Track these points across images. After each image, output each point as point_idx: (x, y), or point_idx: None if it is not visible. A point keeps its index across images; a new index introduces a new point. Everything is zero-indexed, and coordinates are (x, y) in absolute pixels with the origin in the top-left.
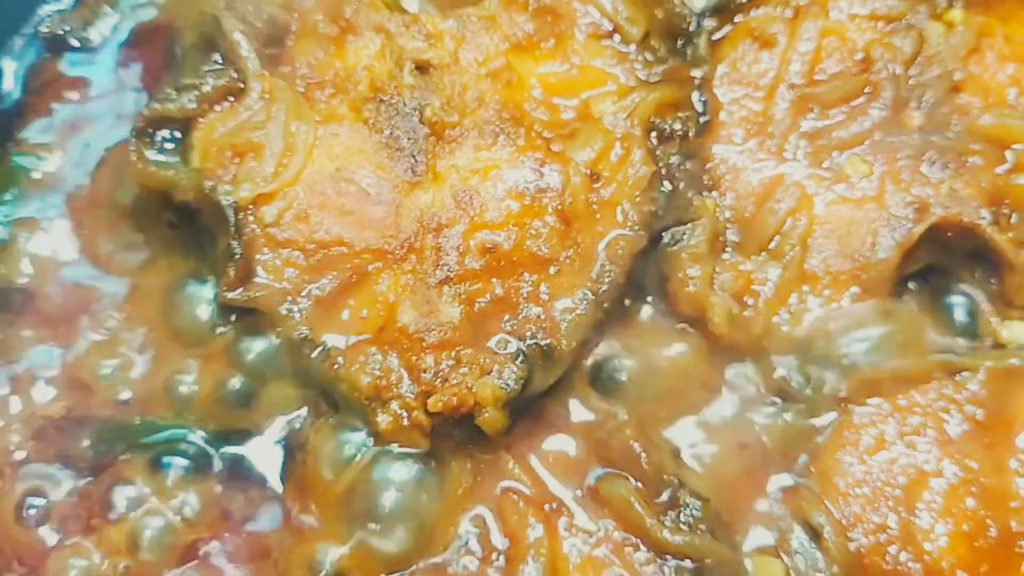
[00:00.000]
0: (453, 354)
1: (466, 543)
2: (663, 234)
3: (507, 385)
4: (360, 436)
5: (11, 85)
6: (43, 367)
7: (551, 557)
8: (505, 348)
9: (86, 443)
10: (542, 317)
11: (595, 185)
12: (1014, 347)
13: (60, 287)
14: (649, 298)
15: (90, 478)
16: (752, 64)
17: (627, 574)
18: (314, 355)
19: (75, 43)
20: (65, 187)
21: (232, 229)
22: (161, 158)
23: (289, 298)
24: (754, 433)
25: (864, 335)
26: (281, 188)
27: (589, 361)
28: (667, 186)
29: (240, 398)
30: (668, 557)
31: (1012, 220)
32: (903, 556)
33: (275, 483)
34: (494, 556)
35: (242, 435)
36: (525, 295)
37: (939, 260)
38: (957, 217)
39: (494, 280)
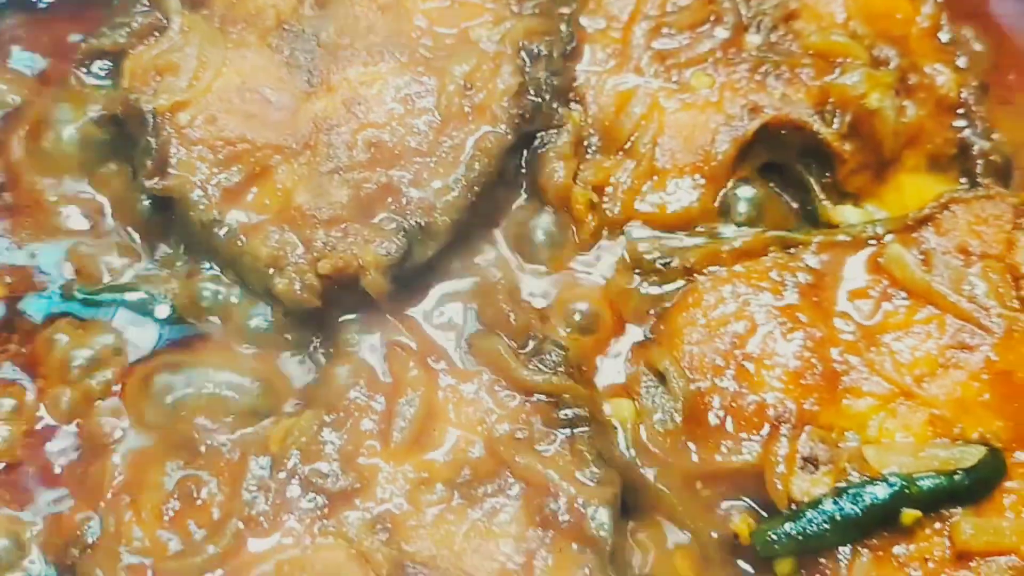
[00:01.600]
0: (342, 227)
1: (356, 383)
2: (535, 138)
3: (388, 252)
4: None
5: None
6: None
7: (427, 393)
8: (389, 225)
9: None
10: (421, 199)
11: (468, 92)
12: (844, 226)
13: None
14: (522, 192)
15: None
16: (615, 1)
17: (495, 408)
18: (222, 234)
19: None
20: (21, 110)
21: (151, 129)
22: (97, 82)
23: (200, 187)
24: (614, 299)
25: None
26: (194, 97)
27: (467, 238)
28: (535, 98)
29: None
30: (533, 396)
31: (836, 116)
32: (738, 391)
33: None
34: (377, 395)
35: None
36: (406, 182)
37: (778, 156)
38: (787, 116)
39: (379, 169)
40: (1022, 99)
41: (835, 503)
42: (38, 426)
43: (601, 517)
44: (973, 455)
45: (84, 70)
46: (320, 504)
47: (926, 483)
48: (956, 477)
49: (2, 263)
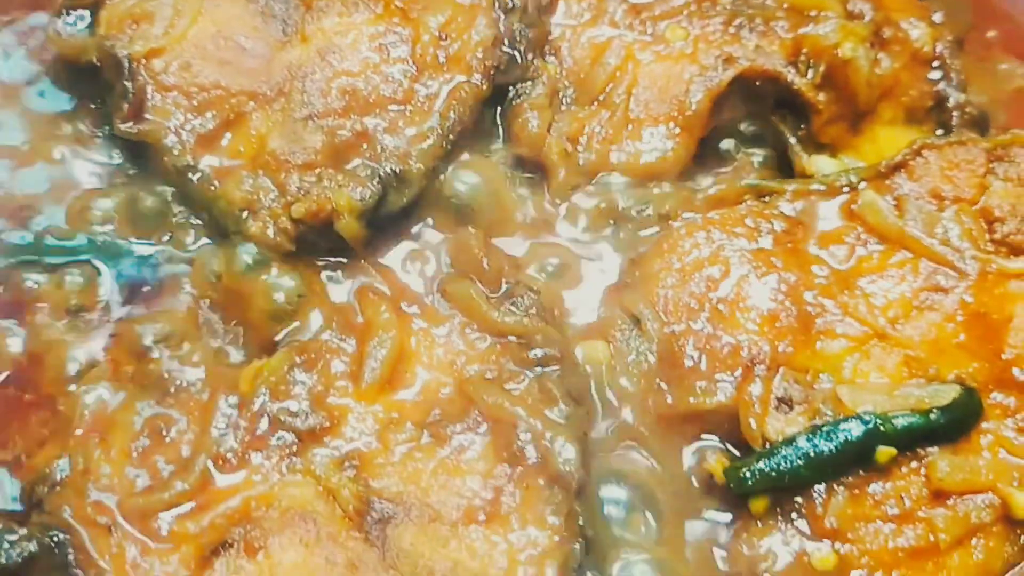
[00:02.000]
0: (316, 172)
1: (329, 327)
2: (510, 89)
3: (363, 197)
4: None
5: None
6: None
7: (399, 335)
8: (363, 171)
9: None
10: (395, 147)
11: (443, 43)
12: (819, 176)
13: None
14: (497, 143)
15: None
16: None
17: (466, 349)
18: (195, 179)
19: None
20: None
21: (127, 74)
22: (75, 32)
23: (174, 132)
24: (589, 247)
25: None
26: (169, 44)
27: (443, 187)
28: (510, 50)
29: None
30: (505, 337)
31: (810, 67)
32: (713, 333)
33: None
34: (349, 338)
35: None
36: (381, 129)
37: (753, 109)
38: (761, 67)
39: (354, 116)
40: (1000, 57)
41: (809, 440)
42: (9, 367)
43: (568, 453)
44: (948, 394)
45: (62, 21)
46: (289, 442)
47: (901, 421)
48: (931, 416)
49: None
